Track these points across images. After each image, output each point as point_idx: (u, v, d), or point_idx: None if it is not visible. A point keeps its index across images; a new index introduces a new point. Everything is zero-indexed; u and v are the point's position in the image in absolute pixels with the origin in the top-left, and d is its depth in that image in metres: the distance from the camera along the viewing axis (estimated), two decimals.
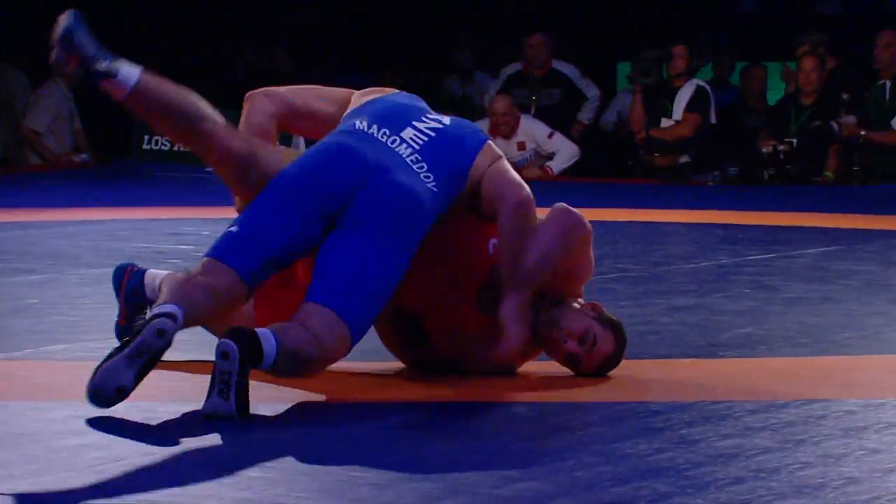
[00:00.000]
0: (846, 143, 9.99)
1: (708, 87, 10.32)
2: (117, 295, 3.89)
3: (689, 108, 10.18)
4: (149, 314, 3.40)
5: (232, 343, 3.25)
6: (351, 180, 3.56)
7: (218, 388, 3.24)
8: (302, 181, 3.57)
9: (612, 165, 11.08)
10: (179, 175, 10.70)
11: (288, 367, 3.40)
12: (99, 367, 3.23)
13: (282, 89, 4.01)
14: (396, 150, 3.65)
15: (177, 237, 6.83)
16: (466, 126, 3.82)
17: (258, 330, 3.35)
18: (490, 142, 3.81)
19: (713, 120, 10.36)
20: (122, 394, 3.20)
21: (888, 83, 10.01)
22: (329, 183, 3.56)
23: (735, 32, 13.15)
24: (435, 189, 3.62)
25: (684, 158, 10.25)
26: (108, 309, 3.93)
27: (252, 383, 3.54)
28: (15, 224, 7.26)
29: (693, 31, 11.65)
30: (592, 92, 11.11)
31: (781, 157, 9.98)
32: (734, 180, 10.27)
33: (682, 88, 10.21)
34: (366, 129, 3.68)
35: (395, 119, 3.72)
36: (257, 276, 3.51)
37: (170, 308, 3.32)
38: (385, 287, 3.51)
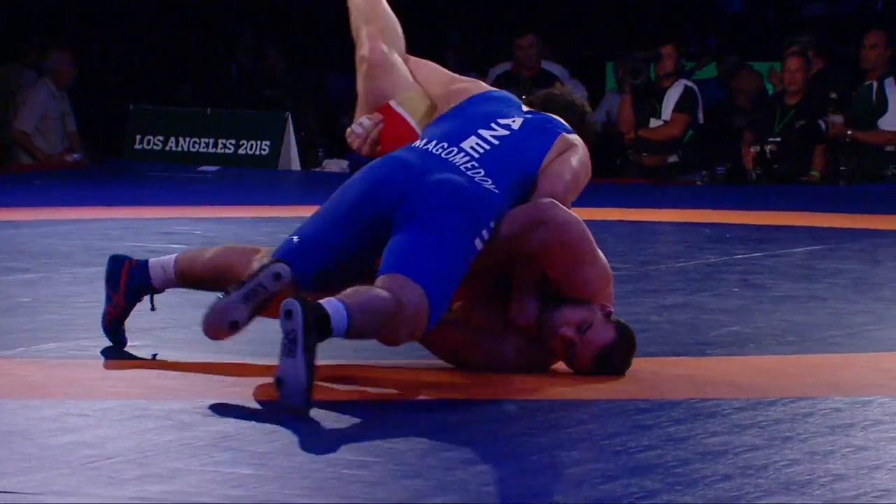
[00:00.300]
0: (833, 142, 10.02)
1: (695, 88, 10.36)
2: (114, 286, 3.90)
3: (678, 107, 10.21)
4: (257, 266, 3.54)
5: (294, 301, 3.28)
6: (397, 187, 3.64)
7: (285, 348, 3.26)
8: (353, 197, 3.68)
9: (601, 165, 11.11)
10: (171, 174, 10.70)
11: (367, 325, 3.39)
12: (212, 306, 3.45)
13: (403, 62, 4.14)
14: (450, 159, 3.74)
15: (168, 236, 6.84)
16: (538, 126, 3.89)
17: (320, 301, 3.38)
18: (564, 135, 3.88)
19: (701, 120, 10.40)
20: (235, 328, 3.44)
21: (875, 83, 10.05)
22: (375, 193, 3.65)
23: (723, 33, 13.18)
24: (496, 190, 3.68)
25: (673, 158, 10.28)
26: (101, 307, 3.93)
27: (243, 380, 3.56)
28: (7, 223, 7.26)
29: (681, 32, 11.67)
30: (580, 93, 11.11)
31: (768, 156, 10.02)
32: (722, 180, 10.31)
33: (670, 88, 10.24)
34: (422, 146, 3.78)
35: (458, 131, 3.82)
36: (310, 284, 3.60)
37: (281, 263, 3.48)
38: (449, 264, 3.53)
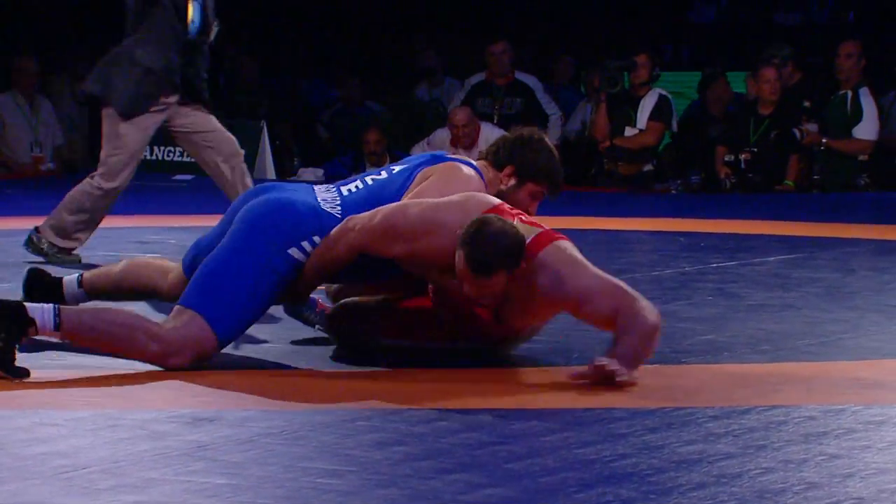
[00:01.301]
0: (808, 150, 10.07)
1: (670, 96, 10.40)
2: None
3: (653, 116, 10.24)
4: None
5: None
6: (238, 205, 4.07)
7: None
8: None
9: (576, 174, 11.15)
10: (144, 183, 10.67)
11: (94, 336, 3.77)
12: None
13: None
14: (316, 191, 4.03)
15: (143, 245, 6.82)
16: (411, 168, 4.07)
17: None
18: (426, 168, 4.02)
19: (675, 128, 10.44)
20: None
21: (849, 93, 10.11)
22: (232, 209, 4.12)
23: (696, 43, 13.24)
24: (337, 215, 3.92)
25: (648, 167, 10.31)
26: None
27: (217, 390, 3.55)
28: None
29: (654, 42, 11.72)
30: (553, 110, 11.14)
31: (742, 165, 10.06)
32: (696, 188, 10.34)
33: (644, 97, 10.28)
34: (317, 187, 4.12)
35: (353, 177, 4.15)
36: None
37: None
38: (236, 287, 3.82)
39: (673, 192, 10.26)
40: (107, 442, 3.09)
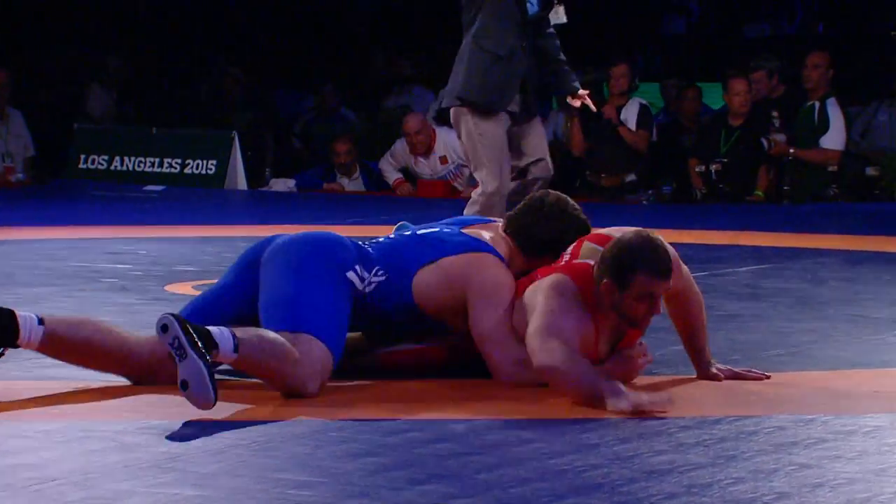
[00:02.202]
0: (776, 160, 10.13)
1: (649, 105, 10.46)
2: None
3: (639, 125, 10.30)
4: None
5: (166, 315, 3.48)
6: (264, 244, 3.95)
7: (176, 355, 3.42)
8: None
9: (556, 185, 11.18)
10: (116, 194, 10.64)
11: (256, 358, 3.59)
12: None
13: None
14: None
15: (114, 256, 6.80)
16: (430, 239, 4.02)
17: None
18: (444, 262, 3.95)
19: (654, 137, 10.49)
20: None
21: (817, 103, 10.17)
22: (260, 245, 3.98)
23: (667, 54, 13.29)
24: (370, 249, 3.93)
25: (630, 177, 10.35)
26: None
27: (188, 403, 3.54)
28: None
29: (626, 53, 11.76)
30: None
31: (713, 176, 10.10)
32: (668, 199, 10.38)
33: (626, 106, 10.32)
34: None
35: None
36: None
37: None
38: (331, 309, 3.75)
39: (644, 202, 10.29)
40: (77, 454, 3.07)
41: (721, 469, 3.00)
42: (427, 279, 3.91)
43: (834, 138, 10.08)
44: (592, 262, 3.81)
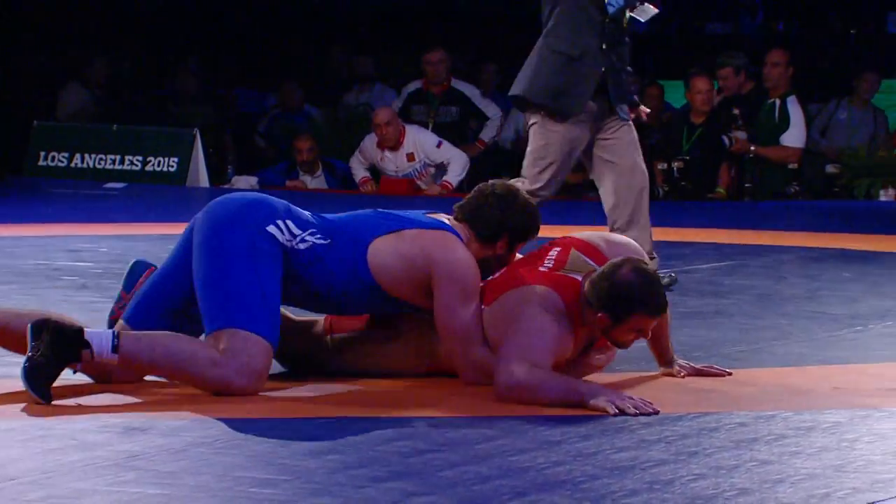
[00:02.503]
0: (737, 158, 10.18)
1: None
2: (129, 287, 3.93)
3: None
4: None
5: (39, 318, 3.55)
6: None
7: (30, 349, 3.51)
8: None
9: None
10: (76, 191, 10.58)
11: (158, 360, 3.63)
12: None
13: None
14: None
15: (74, 254, 6.76)
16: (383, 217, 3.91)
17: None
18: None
19: None
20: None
21: (777, 101, 10.23)
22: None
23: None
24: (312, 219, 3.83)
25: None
26: None
27: (149, 399, 3.52)
28: None
29: None
30: (494, 111, 11.20)
31: (675, 173, 10.14)
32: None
33: None
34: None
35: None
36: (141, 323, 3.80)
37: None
38: (250, 291, 3.68)
39: None
40: (37, 452, 3.05)
41: (682, 465, 3.01)
42: (385, 248, 3.78)
43: (794, 136, 10.15)
44: (580, 277, 3.80)
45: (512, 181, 4.16)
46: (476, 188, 4.01)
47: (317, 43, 13.26)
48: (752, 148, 10.11)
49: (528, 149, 5.70)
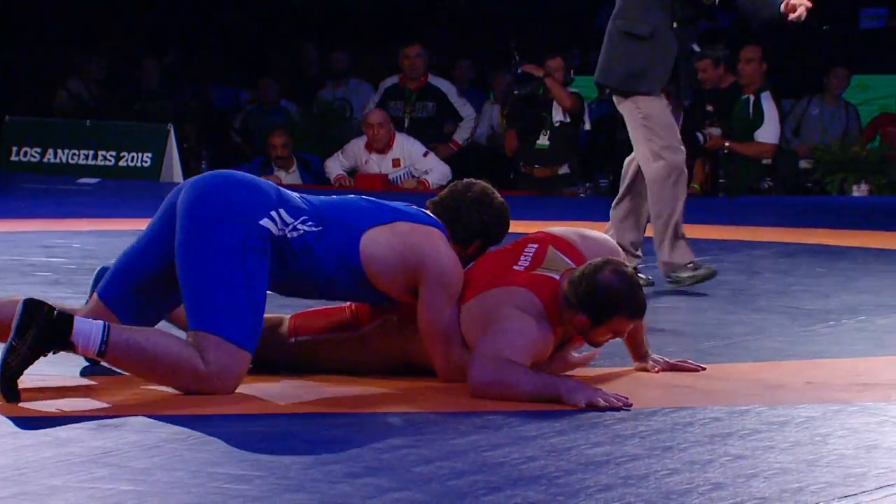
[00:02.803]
0: (712, 154, 10.21)
1: (581, 94, 10.50)
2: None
3: (565, 115, 10.34)
4: None
5: (26, 300, 3.45)
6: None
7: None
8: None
9: (487, 177, 11.20)
10: (49, 187, 10.53)
11: (134, 359, 3.57)
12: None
13: None
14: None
15: (47, 249, 6.73)
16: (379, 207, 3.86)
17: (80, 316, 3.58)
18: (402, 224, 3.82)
19: (587, 126, 10.52)
20: None
21: (752, 97, 10.26)
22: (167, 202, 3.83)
23: (599, 48, 13.33)
24: (302, 204, 3.75)
25: (564, 169, 10.39)
26: None
27: (123, 398, 3.51)
28: None
29: (564, 47, 11.80)
30: (468, 111, 11.20)
31: None
32: (606, 191, 10.43)
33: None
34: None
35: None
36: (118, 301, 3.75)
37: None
38: (231, 293, 3.63)
39: (582, 195, 10.33)
40: (9, 449, 3.04)
41: (657, 460, 3.02)
42: (378, 239, 3.74)
43: (768, 132, 10.18)
44: (558, 276, 3.79)
45: None
46: (451, 187, 3.99)
47: (292, 39, 13.23)
48: (727, 144, 10.14)
49: (633, 133, 5.60)
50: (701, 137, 10.09)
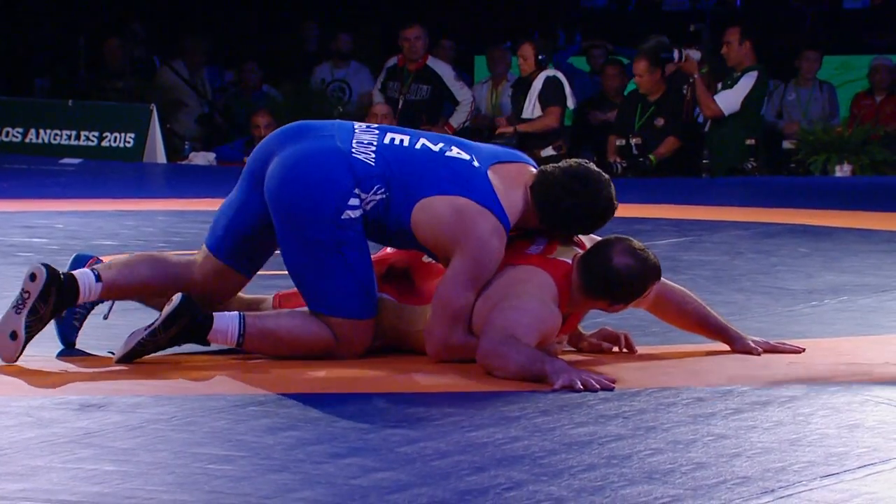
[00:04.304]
0: (684, 77, 10.11)
1: (559, 76, 10.48)
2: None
3: (545, 100, 10.31)
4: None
5: (42, 267, 3.67)
6: (268, 147, 3.95)
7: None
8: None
9: None
10: (31, 167, 10.49)
11: (267, 343, 3.82)
12: None
13: None
14: (356, 131, 3.89)
15: (29, 230, 6.70)
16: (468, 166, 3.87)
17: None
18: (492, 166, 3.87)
19: (571, 105, 10.51)
20: (14, 338, 3.67)
21: (737, 74, 10.25)
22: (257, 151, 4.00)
23: (585, 28, 13.34)
24: (370, 161, 3.82)
25: (548, 151, 10.38)
26: None
27: (104, 375, 3.50)
28: None
29: (547, 26, 11.80)
30: (465, 96, 11.18)
31: (634, 150, 10.16)
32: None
33: (534, 82, 10.37)
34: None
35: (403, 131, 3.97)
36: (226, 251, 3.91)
37: (37, 265, 3.73)
38: (338, 275, 3.80)
39: None
40: None
41: (640, 440, 3.03)
42: (432, 207, 3.78)
43: (727, 98, 10.15)
44: (570, 261, 3.81)
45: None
46: (566, 168, 3.89)
47: (289, 20, 13.18)
48: (696, 76, 10.05)
49: None
50: (676, 55, 10.03)
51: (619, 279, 3.74)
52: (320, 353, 3.81)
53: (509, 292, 3.73)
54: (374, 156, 3.82)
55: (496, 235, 3.78)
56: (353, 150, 3.82)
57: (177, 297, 3.69)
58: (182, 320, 3.68)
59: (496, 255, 3.78)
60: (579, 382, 3.50)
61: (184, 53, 12.27)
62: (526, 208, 3.86)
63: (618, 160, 10.10)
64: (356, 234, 3.79)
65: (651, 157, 10.07)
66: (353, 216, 3.78)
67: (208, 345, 3.78)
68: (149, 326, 3.70)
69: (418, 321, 3.84)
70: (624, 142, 10.20)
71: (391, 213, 3.80)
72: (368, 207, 3.79)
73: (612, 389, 3.50)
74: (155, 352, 3.73)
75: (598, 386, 3.50)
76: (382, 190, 3.80)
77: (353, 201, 3.78)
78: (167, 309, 3.68)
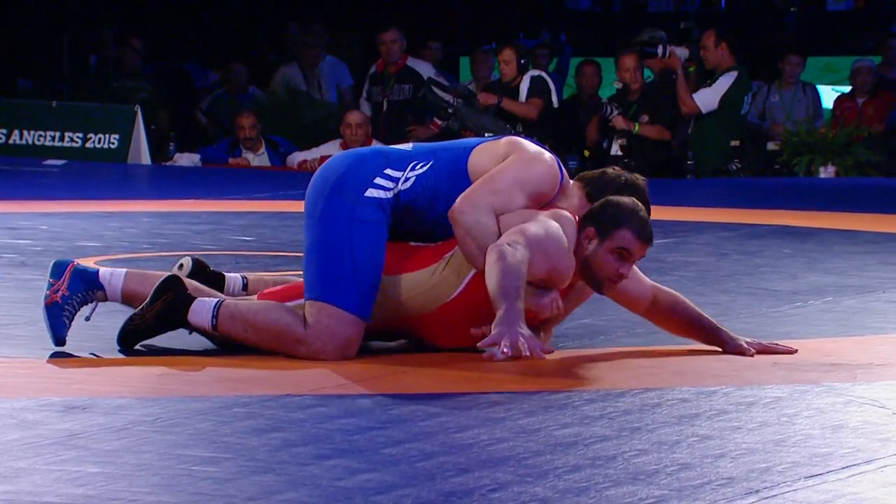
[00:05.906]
0: (668, 73, 10.13)
1: (545, 75, 10.50)
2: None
3: (530, 94, 10.34)
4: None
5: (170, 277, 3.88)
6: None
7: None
8: None
9: None
10: (15, 168, 10.46)
11: (240, 332, 3.84)
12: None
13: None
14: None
15: (13, 231, 6.68)
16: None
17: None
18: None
19: (556, 104, 10.52)
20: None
21: (717, 75, 10.27)
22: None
23: (571, 29, 13.36)
24: (408, 149, 3.95)
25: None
26: None
27: (89, 377, 3.49)
28: None
29: (532, 28, 11.81)
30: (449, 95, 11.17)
31: (620, 151, 10.17)
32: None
33: (520, 85, 10.39)
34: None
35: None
36: None
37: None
38: (339, 261, 3.83)
39: None
40: None
41: (625, 441, 3.03)
42: (483, 150, 3.92)
43: (704, 96, 10.17)
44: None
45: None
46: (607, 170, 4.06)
47: (271, 20, 13.18)
48: (679, 72, 10.05)
49: None
50: (661, 50, 10.04)
51: (609, 206, 3.83)
52: (289, 346, 3.79)
53: (540, 217, 3.81)
54: (410, 145, 4.00)
55: (550, 168, 3.91)
56: (385, 151, 3.98)
57: (165, 275, 3.84)
58: (166, 294, 3.78)
59: (546, 177, 3.90)
60: (521, 347, 3.50)
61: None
62: (580, 193, 3.99)
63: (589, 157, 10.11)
64: (374, 221, 3.82)
65: (636, 124, 10.04)
66: (376, 196, 3.83)
67: (189, 327, 3.82)
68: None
69: (401, 291, 3.84)
70: (607, 143, 10.21)
71: (444, 169, 3.87)
72: (406, 186, 3.86)
73: (543, 358, 3.57)
74: (146, 334, 3.81)
75: (530, 354, 3.51)
76: (422, 164, 3.89)
77: (381, 181, 3.85)
78: (155, 286, 3.82)
